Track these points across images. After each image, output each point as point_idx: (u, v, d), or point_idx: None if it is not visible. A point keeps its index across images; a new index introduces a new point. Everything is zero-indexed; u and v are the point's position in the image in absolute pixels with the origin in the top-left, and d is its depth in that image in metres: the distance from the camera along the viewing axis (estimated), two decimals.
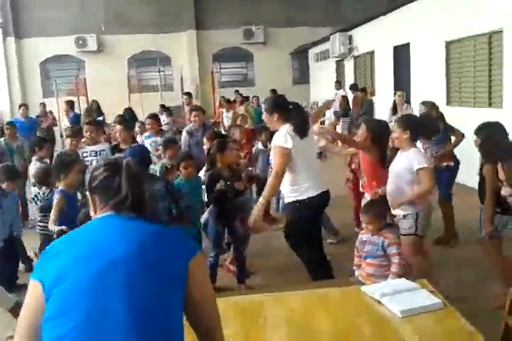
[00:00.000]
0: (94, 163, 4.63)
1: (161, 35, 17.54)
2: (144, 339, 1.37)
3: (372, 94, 11.12)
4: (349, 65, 13.08)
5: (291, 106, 3.62)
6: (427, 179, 3.29)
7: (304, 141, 3.49)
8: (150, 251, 1.45)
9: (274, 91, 13.83)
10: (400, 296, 2.29)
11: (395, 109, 8.24)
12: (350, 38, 12.55)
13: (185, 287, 1.48)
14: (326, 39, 13.82)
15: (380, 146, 3.94)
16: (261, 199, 3.48)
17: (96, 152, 4.91)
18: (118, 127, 5.34)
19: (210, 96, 15.49)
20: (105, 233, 1.49)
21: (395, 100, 8.46)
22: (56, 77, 16.48)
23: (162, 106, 11.87)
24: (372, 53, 11.30)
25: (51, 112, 12.33)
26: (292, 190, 3.53)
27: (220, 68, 18.73)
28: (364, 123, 4.20)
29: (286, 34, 17.75)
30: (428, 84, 8.46)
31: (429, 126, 4.54)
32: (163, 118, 9.72)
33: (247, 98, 12.47)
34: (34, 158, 5.31)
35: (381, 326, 2.16)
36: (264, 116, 3.74)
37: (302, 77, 18.34)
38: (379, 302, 2.27)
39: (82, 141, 5.38)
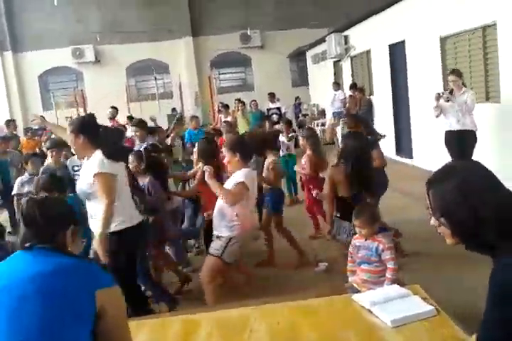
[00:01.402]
0: None
1: (158, 43, 17.56)
2: None
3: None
4: (346, 65, 12.99)
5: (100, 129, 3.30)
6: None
7: (118, 165, 3.26)
8: (46, 280, 1.48)
9: (272, 94, 13.80)
10: (391, 304, 2.19)
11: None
12: (346, 37, 12.47)
13: (92, 318, 1.50)
14: (322, 40, 13.75)
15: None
16: (100, 233, 3.03)
17: None
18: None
19: (209, 103, 15.47)
20: (11, 264, 1.58)
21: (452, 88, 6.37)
22: (55, 90, 16.55)
23: (129, 117, 11.77)
24: (368, 52, 11.22)
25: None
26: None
27: (219, 74, 18.71)
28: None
29: (283, 37, 17.70)
30: (425, 81, 8.36)
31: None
32: (131, 129, 9.73)
33: (243, 103, 12.41)
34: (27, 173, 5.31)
35: (371, 337, 2.06)
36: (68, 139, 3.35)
37: (301, 79, 18.28)
38: (370, 311, 2.18)
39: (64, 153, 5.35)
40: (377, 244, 2.94)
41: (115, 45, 17.50)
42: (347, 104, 11.87)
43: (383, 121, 10.33)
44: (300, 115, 15.28)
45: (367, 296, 2.33)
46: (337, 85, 12.81)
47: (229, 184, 3.50)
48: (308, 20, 17.36)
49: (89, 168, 3.15)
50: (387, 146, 9.84)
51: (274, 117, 12.73)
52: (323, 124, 13.72)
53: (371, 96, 11.03)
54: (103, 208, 3.04)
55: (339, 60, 13.35)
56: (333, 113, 12.76)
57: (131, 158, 4.19)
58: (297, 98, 16.86)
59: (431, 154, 8.01)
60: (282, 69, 18.32)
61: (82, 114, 13.06)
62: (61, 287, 1.48)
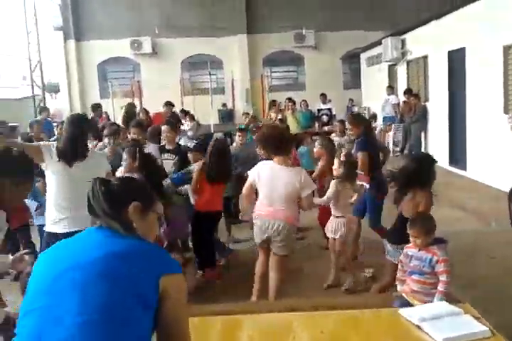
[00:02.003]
0: None
1: (213, 38, 17.76)
2: None
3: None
4: (402, 70, 12.78)
5: None
6: None
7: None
8: (113, 262, 1.49)
9: (324, 95, 13.75)
10: (441, 322, 2.16)
11: None
12: (403, 41, 12.27)
13: (155, 304, 1.49)
14: (378, 43, 13.57)
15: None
16: None
17: None
18: (165, 127, 5.42)
19: (260, 100, 15.57)
20: (80, 242, 1.61)
21: None
22: (113, 79, 17.07)
23: (183, 111, 12.02)
24: (425, 57, 11.00)
25: (106, 113, 12.78)
26: None
27: (271, 72, 18.76)
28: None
29: (337, 38, 17.56)
30: (484, 91, 8.13)
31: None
32: (186, 123, 9.94)
33: (294, 102, 12.42)
34: None
35: None
36: None
37: (353, 81, 18.08)
38: (418, 327, 2.15)
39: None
40: (431, 256, 2.88)
41: (172, 38, 17.85)
42: (400, 109, 11.71)
43: (437, 129, 10.12)
44: None
45: (415, 311, 2.30)
46: (391, 89, 12.64)
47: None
48: (364, 22, 17.15)
49: None
50: (441, 156, 9.66)
51: (324, 118, 12.70)
52: (373, 128, 13.55)
53: (426, 103, 10.82)
54: None
55: (394, 64, 13.15)
56: (384, 117, 12.62)
57: (124, 155, 4.15)
58: (351, 100, 16.69)
59: (487, 166, 7.81)
60: (334, 71, 18.18)
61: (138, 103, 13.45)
62: (127, 270, 1.48)
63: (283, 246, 3.69)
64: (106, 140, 5.30)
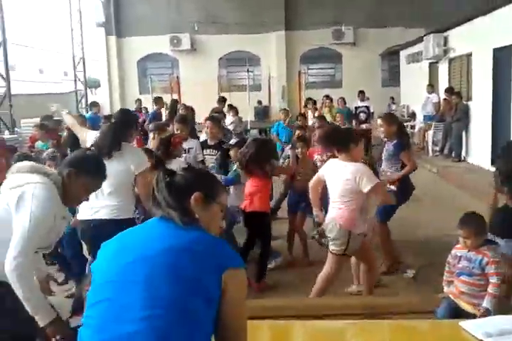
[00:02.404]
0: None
1: (251, 35, 17.83)
2: (155, 336, 1.39)
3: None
4: (443, 68, 12.51)
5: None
6: None
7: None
8: (179, 254, 1.48)
9: (362, 92, 13.58)
10: (509, 339, 2.01)
11: None
12: (446, 39, 12.01)
13: (217, 299, 1.46)
14: (418, 40, 13.31)
15: None
16: None
17: (185, 150, 4.96)
18: (208, 123, 5.46)
19: (296, 97, 15.54)
20: (144, 233, 1.61)
21: None
22: (152, 75, 17.36)
23: (229, 105, 12.12)
24: (469, 55, 10.74)
25: (146, 108, 13.02)
26: None
27: (308, 69, 18.69)
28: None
29: (376, 35, 17.34)
30: None
31: None
32: (229, 118, 10.01)
33: (331, 100, 12.33)
34: None
35: None
36: None
37: (392, 79, 17.82)
38: None
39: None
40: (481, 257, 2.84)
41: (210, 35, 18.01)
42: (440, 108, 11.48)
43: (479, 129, 9.88)
44: None
45: (478, 325, 2.17)
46: (431, 88, 12.40)
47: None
48: (403, 19, 16.89)
49: None
50: (483, 157, 9.44)
51: (362, 116, 12.56)
52: (412, 127, 13.35)
53: (469, 102, 10.58)
54: None
55: (436, 62, 12.89)
56: (424, 116, 12.40)
57: None
58: (392, 98, 16.44)
59: None
60: (373, 68, 17.98)
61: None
62: (191, 264, 1.46)
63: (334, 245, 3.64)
64: (151, 135, 5.43)
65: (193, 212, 1.60)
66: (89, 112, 11.10)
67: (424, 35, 12.63)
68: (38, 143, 7.04)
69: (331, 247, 3.62)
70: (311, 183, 3.92)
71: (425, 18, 16.23)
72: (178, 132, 5.34)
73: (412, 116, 13.84)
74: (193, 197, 1.60)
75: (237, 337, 1.53)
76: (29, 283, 2.07)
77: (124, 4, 18.32)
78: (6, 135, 10.66)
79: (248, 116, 13.70)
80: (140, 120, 11.80)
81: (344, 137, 3.71)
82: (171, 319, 1.41)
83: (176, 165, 3.79)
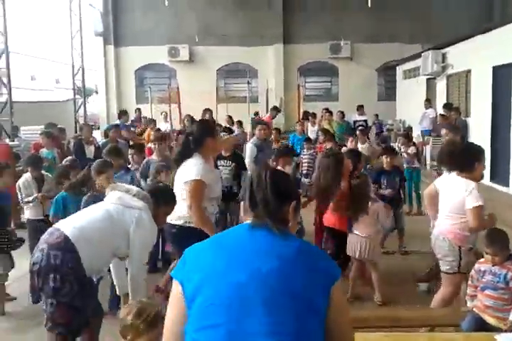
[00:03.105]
0: None
1: (249, 47, 17.97)
2: None
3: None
4: (441, 84, 12.71)
5: None
6: None
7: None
8: (291, 271, 1.40)
9: (361, 106, 13.71)
10: None
11: None
12: (444, 55, 12.22)
13: (325, 313, 1.41)
14: (416, 56, 13.53)
15: None
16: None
17: None
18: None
19: (294, 110, 15.62)
20: (247, 244, 1.47)
21: None
22: (149, 85, 17.37)
23: (229, 117, 12.11)
24: (468, 72, 10.93)
25: (145, 118, 13.00)
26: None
27: (305, 82, 18.85)
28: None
29: (373, 50, 17.57)
30: None
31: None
32: (237, 131, 10.09)
33: (331, 113, 12.44)
34: None
35: None
36: None
37: (388, 93, 18.05)
38: None
39: None
40: (506, 271, 2.91)
41: (208, 46, 18.10)
42: (437, 123, 11.61)
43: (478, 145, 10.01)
44: (385, 130, 15.04)
45: None
46: (429, 103, 12.57)
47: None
48: (401, 34, 17.16)
49: None
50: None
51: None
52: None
53: (467, 118, 10.73)
54: None
55: (433, 78, 13.09)
56: (422, 131, 12.54)
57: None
58: (375, 115, 16.28)
59: None
60: (369, 82, 18.19)
61: (176, 109, 13.68)
62: (305, 281, 1.40)
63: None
64: (151, 145, 5.53)
65: (288, 218, 1.54)
66: (119, 121, 10.98)
67: (422, 52, 12.85)
68: (43, 151, 7.00)
69: (442, 268, 3.54)
70: (426, 197, 3.90)
71: (422, 34, 16.52)
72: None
73: (409, 130, 13.97)
74: (292, 205, 1.55)
75: None
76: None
77: (122, 14, 18.38)
78: (7, 142, 10.55)
79: (247, 127, 13.74)
80: (138, 130, 11.86)
81: (472, 156, 3.61)
82: None
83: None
